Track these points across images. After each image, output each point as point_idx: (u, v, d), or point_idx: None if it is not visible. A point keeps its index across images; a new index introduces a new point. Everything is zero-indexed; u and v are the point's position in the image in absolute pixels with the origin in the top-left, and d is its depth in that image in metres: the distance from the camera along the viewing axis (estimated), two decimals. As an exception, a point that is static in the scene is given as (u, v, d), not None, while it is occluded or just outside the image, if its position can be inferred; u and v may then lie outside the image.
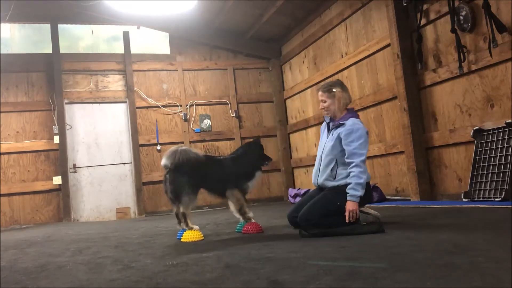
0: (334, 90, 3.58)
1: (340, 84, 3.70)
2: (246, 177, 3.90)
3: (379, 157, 6.51)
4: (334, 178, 3.46)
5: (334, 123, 3.60)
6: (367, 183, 3.47)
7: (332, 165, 3.47)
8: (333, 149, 3.48)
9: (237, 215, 3.94)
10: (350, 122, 3.48)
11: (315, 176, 3.66)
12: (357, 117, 3.61)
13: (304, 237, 3.22)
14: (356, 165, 3.32)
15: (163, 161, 3.69)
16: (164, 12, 8.01)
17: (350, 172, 3.35)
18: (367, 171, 3.42)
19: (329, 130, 3.67)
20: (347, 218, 3.25)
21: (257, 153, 4.04)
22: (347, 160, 3.38)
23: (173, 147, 3.77)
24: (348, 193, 3.31)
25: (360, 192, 3.30)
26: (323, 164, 3.55)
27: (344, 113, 3.60)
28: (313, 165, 3.77)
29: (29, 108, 7.98)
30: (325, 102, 3.62)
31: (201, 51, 9.09)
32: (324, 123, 3.77)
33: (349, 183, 3.32)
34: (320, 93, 3.66)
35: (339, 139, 3.46)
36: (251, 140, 4.28)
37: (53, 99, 8.04)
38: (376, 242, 2.76)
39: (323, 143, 3.68)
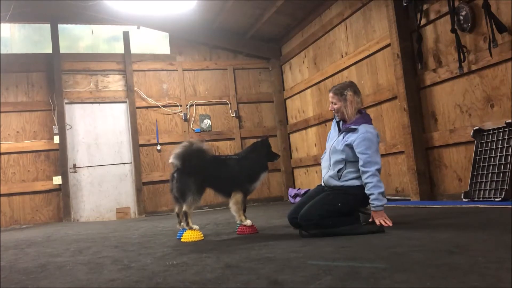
0: (345, 93, 3.47)
1: (353, 86, 3.55)
2: (252, 179, 3.89)
3: (379, 157, 6.50)
4: (339, 179, 3.44)
5: (345, 126, 3.51)
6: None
7: (340, 167, 3.43)
8: (342, 153, 3.42)
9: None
10: (363, 129, 3.38)
11: (324, 172, 3.63)
12: (370, 121, 3.52)
13: (304, 237, 3.22)
14: (373, 175, 3.28)
15: (172, 159, 3.66)
16: (164, 12, 8.01)
17: (366, 183, 3.30)
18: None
19: (339, 129, 3.58)
20: (381, 223, 3.30)
21: (264, 153, 4.02)
22: (362, 169, 3.32)
23: (183, 143, 3.77)
24: (372, 204, 3.31)
25: (383, 202, 3.32)
26: (332, 162, 3.51)
27: (356, 117, 3.50)
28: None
29: (29, 108, 7.98)
30: (335, 104, 3.52)
31: (201, 51, 9.09)
32: (334, 120, 3.68)
33: (371, 194, 3.29)
34: (331, 94, 3.55)
35: (349, 145, 3.38)
36: (258, 139, 4.23)
37: (53, 99, 8.04)
38: (376, 242, 2.75)
39: (332, 140, 3.60)
